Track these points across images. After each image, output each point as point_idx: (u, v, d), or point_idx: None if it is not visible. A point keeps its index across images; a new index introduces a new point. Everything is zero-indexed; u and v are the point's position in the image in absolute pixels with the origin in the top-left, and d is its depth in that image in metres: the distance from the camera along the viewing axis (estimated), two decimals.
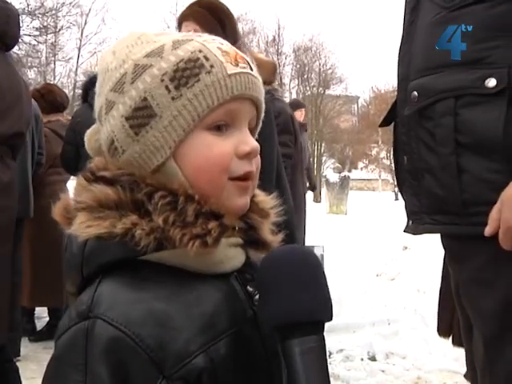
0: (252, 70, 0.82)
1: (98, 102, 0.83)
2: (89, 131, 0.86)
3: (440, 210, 1.42)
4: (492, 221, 1.28)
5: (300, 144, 3.97)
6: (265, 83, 4.00)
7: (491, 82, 1.31)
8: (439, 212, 1.42)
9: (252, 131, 0.85)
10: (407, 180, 1.53)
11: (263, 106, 0.85)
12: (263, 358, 0.80)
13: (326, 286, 0.76)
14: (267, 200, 0.89)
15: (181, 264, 0.76)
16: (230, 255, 0.80)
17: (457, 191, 1.36)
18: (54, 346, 0.74)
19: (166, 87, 0.77)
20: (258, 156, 0.83)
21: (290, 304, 0.72)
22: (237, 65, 0.80)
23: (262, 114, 0.86)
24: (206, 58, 0.78)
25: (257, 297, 0.79)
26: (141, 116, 0.77)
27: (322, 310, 0.74)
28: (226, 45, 0.82)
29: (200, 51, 0.78)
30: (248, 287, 0.82)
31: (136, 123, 0.77)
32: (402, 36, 1.57)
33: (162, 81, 0.77)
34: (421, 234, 1.51)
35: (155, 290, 0.73)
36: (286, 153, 3.66)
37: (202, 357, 0.71)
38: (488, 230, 1.29)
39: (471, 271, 1.42)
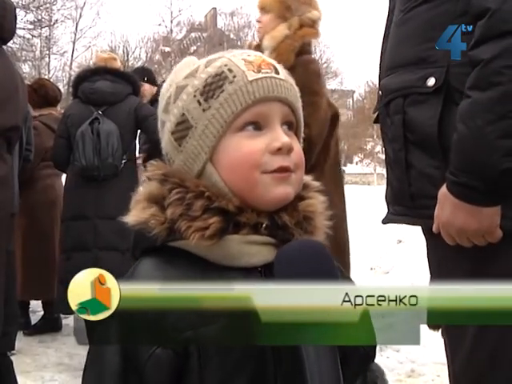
0: (278, 73, 0.91)
1: (158, 122, 0.97)
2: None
3: (396, 201, 1.50)
4: (435, 217, 1.35)
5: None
6: None
7: (430, 81, 1.37)
8: (396, 203, 1.50)
9: (295, 131, 0.93)
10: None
11: (298, 105, 0.93)
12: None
13: (337, 276, 0.81)
14: (312, 203, 0.93)
15: (197, 252, 0.85)
16: (246, 251, 0.86)
17: (406, 184, 1.43)
18: None
19: (198, 101, 0.89)
20: (300, 151, 0.91)
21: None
22: (259, 71, 0.89)
23: (300, 114, 0.94)
24: (230, 70, 0.88)
25: None
26: (181, 129, 0.90)
27: None
28: (255, 55, 0.92)
29: (225, 65, 0.89)
30: None
31: (178, 136, 0.90)
32: (383, 36, 1.64)
33: (195, 96, 0.89)
34: (385, 223, 1.59)
35: (169, 271, 0.84)
36: None
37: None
38: (434, 227, 1.36)
39: (435, 262, 1.49)
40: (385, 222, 1.59)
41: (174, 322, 0.79)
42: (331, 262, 0.81)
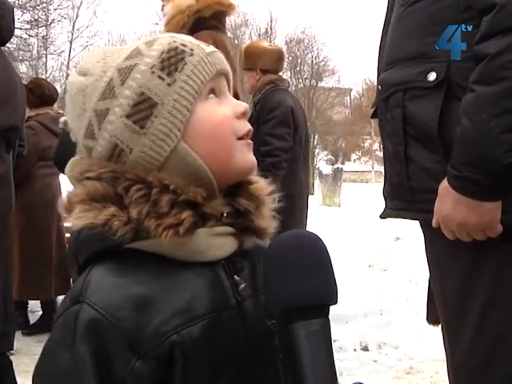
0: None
1: (82, 122, 0.85)
2: (69, 165, 0.88)
3: (395, 196, 1.50)
4: (435, 212, 1.36)
5: (303, 135, 3.85)
6: (269, 72, 3.88)
7: (431, 76, 1.37)
8: (395, 198, 1.50)
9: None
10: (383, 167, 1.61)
11: (231, 78, 0.92)
12: (244, 345, 0.82)
13: (332, 270, 0.78)
14: (262, 186, 0.92)
15: (163, 252, 0.79)
16: (214, 244, 0.83)
17: (405, 179, 1.43)
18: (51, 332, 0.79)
19: (159, 77, 0.82)
20: None
21: (295, 288, 0.74)
22: (208, 46, 0.88)
23: (231, 85, 0.93)
24: (184, 45, 0.85)
25: (242, 286, 0.84)
26: (143, 109, 0.81)
27: (327, 293, 0.76)
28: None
29: (175, 41, 0.86)
30: (235, 276, 0.85)
31: (139, 117, 0.81)
32: (382, 31, 1.65)
33: (153, 73, 0.82)
34: (383, 218, 1.59)
35: (135, 276, 0.78)
36: (283, 147, 3.57)
37: (174, 338, 0.76)
38: (434, 221, 1.37)
39: (433, 257, 1.49)
40: (383, 216, 1.59)
41: (156, 328, 0.75)
42: (325, 254, 0.79)
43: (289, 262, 0.76)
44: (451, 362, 1.45)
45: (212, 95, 0.86)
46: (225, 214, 0.84)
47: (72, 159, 0.88)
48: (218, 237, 0.83)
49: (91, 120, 0.84)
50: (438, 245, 1.45)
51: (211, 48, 0.88)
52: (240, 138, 0.87)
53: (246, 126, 0.88)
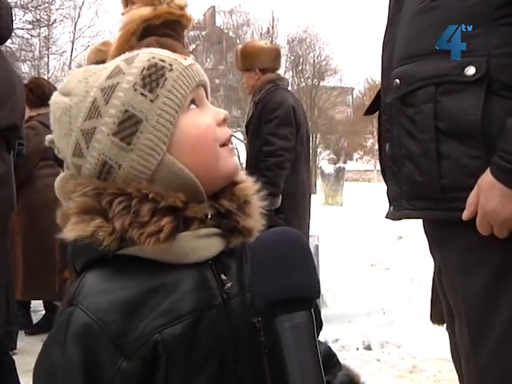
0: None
1: (69, 142, 0.88)
2: (58, 181, 0.92)
3: (418, 195, 1.44)
4: (469, 205, 1.32)
5: (304, 134, 3.85)
6: (268, 70, 3.92)
7: (470, 70, 1.33)
8: (418, 197, 1.45)
9: None
10: (389, 166, 1.55)
11: (209, 88, 0.96)
12: (228, 342, 0.86)
13: (313, 265, 0.80)
14: (247, 186, 0.95)
15: (149, 257, 0.83)
16: (199, 246, 0.86)
17: (436, 177, 1.38)
18: None
19: (142, 94, 0.86)
20: None
21: (278, 282, 0.77)
22: (185, 59, 0.91)
23: (209, 93, 0.96)
24: (162, 61, 0.89)
25: (228, 284, 0.89)
26: (128, 126, 0.85)
27: (310, 287, 0.78)
28: (163, 51, 0.93)
29: (153, 57, 0.89)
30: (222, 275, 0.88)
31: (125, 134, 0.85)
32: (387, 25, 1.59)
33: (136, 90, 0.86)
34: (399, 219, 1.54)
35: (123, 281, 0.83)
36: (286, 146, 3.57)
37: (156, 338, 0.80)
38: (465, 215, 1.32)
39: (453, 257, 1.43)
40: (397, 217, 1.54)
41: (141, 330, 0.80)
42: (306, 250, 0.81)
43: (272, 257, 0.78)
44: (474, 363, 1.41)
45: (193, 106, 0.90)
46: (209, 216, 0.88)
47: (61, 176, 0.92)
48: (203, 238, 0.87)
49: (78, 139, 0.87)
50: (460, 244, 1.41)
51: (189, 61, 0.92)
52: (223, 145, 0.91)
53: (226, 133, 0.93)
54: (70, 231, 0.84)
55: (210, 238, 0.88)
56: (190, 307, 0.84)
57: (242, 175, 0.97)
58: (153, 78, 0.86)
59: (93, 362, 0.78)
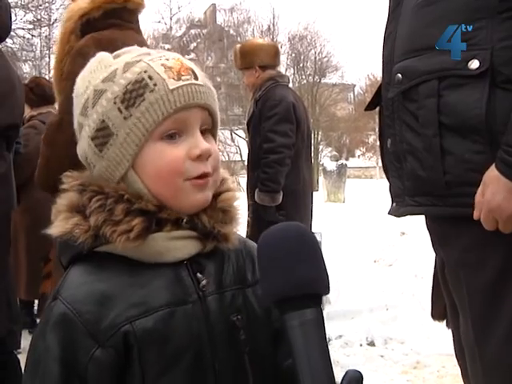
0: (197, 78, 0.91)
1: (75, 123, 0.95)
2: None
3: (422, 191, 1.43)
4: (478, 204, 1.30)
5: (305, 131, 3.84)
6: (267, 68, 3.92)
7: (474, 64, 1.32)
8: (421, 194, 1.43)
9: (212, 132, 0.95)
10: (391, 163, 1.54)
11: (215, 108, 0.94)
12: (205, 338, 0.88)
13: (322, 260, 0.79)
14: (229, 197, 0.96)
15: (125, 255, 0.87)
16: (173, 247, 0.89)
17: (440, 172, 1.36)
18: None
19: (119, 109, 0.88)
20: (216, 154, 0.93)
21: (285, 279, 0.76)
22: (179, 78, 0.89)
23: (217, 116, 0.95)
24: (150, 78, 0.88)
25: (203, 282, 0.91)
26: (102, 136, 0.89)
27: (318, 283, 0.78)
28: (173, 59, 0.91)
29: (145, 71, 0.88)
30: (198, 274, 0.90)
31: (99, 142, 0.89)
32: (387, 19, 1.58)
33: (115, 103, 0.88)
34: (403, 215, 1.53)
35: (100, 274, 0.88)
36: (286, 143, 3.57)
37: (126, 328, 0.84)
38: (476, 214, 1.31)
39: (457, 253, 1.43)
40: (400, 214, 1.53)
41: (112, 320, 0.84)
42: (314, 245, 0.80)
43: (278, 254, 0.78)
44: (480, 358, 1.40)
45: (170, 134, 0.88)
46: (184, 220, 0.90)
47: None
48: (177, 240, 0.90)
49: (76, 127, 0.95)
50: (464, 240, 1.40)
51: (182, 82, 0.89)
52: (192, 179, 0.89)
53: (199, 169, 0.89)
54: (54, 228, 0.90)
55: (186, 239, 0.91)
56: (162, 301, 0.87)
57: (229, 184, 0.98)
58: (133, 95, 0.87)
59: (69, 350, 0.83)
